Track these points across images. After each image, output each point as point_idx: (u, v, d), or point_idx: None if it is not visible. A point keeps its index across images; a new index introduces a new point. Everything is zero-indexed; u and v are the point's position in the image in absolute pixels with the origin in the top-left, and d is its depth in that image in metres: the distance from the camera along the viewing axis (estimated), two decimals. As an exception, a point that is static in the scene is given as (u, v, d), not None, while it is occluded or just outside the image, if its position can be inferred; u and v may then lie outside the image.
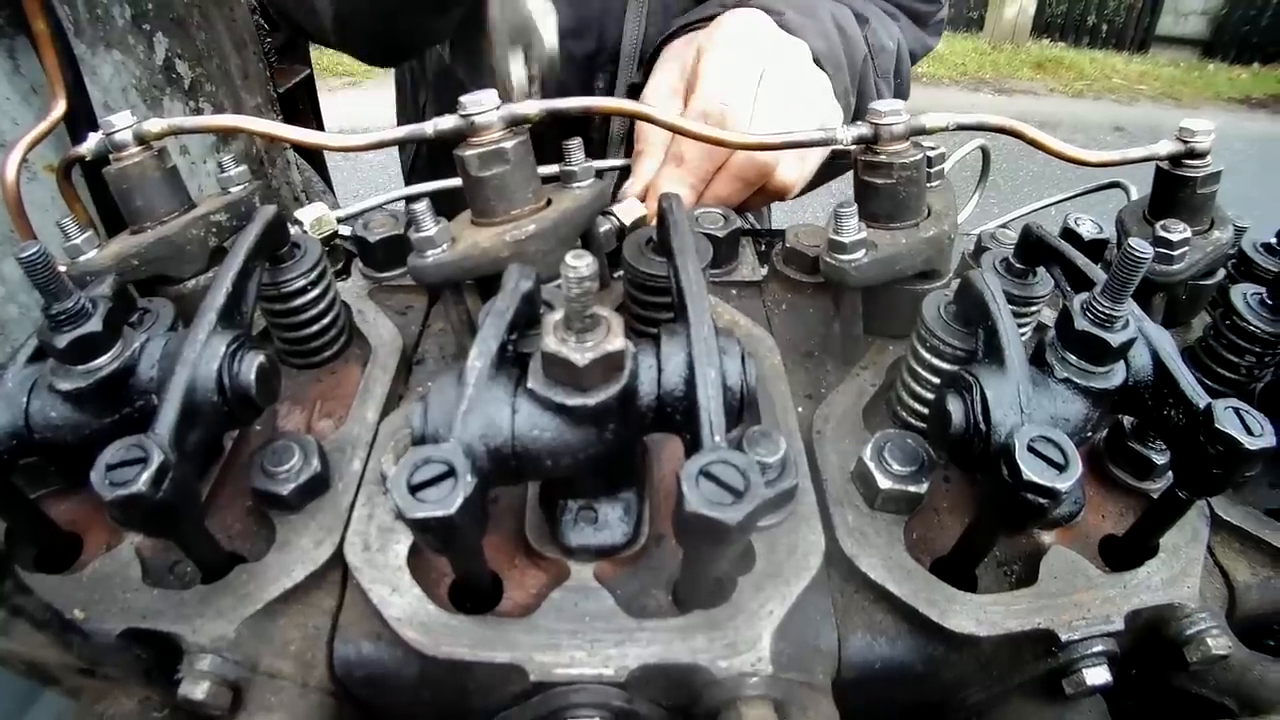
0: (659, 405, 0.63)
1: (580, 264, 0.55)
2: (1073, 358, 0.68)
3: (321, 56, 8.66)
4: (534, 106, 0.75)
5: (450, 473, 0.55)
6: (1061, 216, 1.11)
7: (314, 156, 1.48)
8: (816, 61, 1.19)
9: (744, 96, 1.06)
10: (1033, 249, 0.84)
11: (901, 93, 1.46)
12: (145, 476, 0.58)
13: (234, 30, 1.08)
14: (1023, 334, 0.89)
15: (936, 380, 0.77)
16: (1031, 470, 0.59)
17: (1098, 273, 0.78)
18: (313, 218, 0.92)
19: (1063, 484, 0.59)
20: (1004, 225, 1.28)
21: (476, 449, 0.59)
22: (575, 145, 0.82)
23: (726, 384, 0.62)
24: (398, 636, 0.63)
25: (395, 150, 0.73)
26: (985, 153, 1.24)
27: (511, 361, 0.65)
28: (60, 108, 0.83)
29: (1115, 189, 1.24)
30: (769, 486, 0.70)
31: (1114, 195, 1.29)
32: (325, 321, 0.82)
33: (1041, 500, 0.60)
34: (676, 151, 1.08)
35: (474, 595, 0.68)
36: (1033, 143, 0.84)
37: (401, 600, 0.65)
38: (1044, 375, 0.68)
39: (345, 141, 0.77)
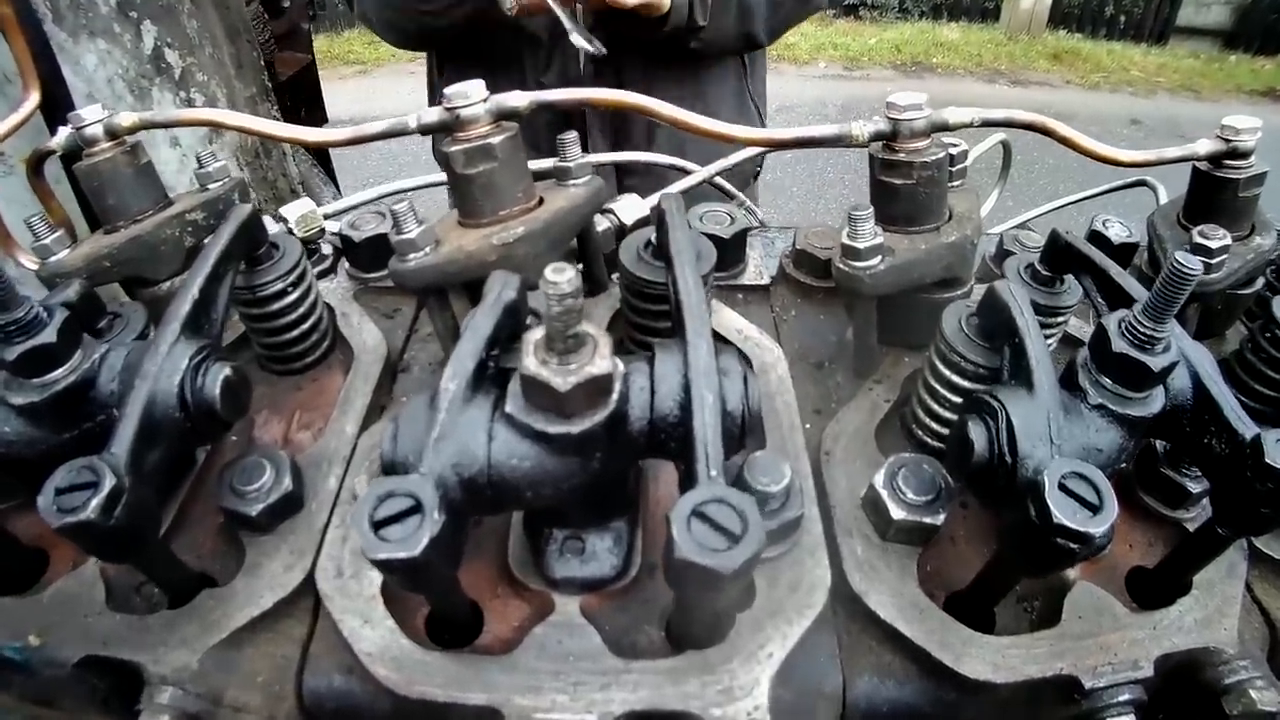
0: (651, 432, 0.56)
1: (561, 279, 0.47)
2: (1108, 382, 0.60)
3: (332, 45, 8.59)
4: (523, 99, 0.68)
5: (417, 508, 0.48)
6: (1082, 215, 1.02)
7: (318, 151, 1.41)
8: None
9: None
10: (1061, 255, 0.76)
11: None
12: (95, 502, 0.52)
13: (227, 18, 1.01)
14: (1049, 346, 0.81)
15: (956, 399, 0.69)
16: (1062, 512, 0.51)
17: (1133, 285, 0.70)
18: (298, 214, 0.85)
19: (1097, 528, 0.51)
20: (1023, 225, 1.18)
21: (449, 479, 0.52)
22: (570, 140, 0.74)
23: (726, 409, 0.55)
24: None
25: (405, 140, 0.66)
26: (1006, 148, 1.15)
27: (493, 379, 0.58)
28: (33, 99, 0.77)
29: (1141, 188, 1.15)
30: (772, 516, 0.62)
31: (1136, 193, 1.19)
32: (305, 326, 0.76)
33: (1072, 545, 0.52)
34: None
35: (452, 627, 0.61)
36: (1064, 140, 0.76)
37: (373, 633, 0.58)
38: (1075, 400, 0.60)
39: (326, 136, 0.70)
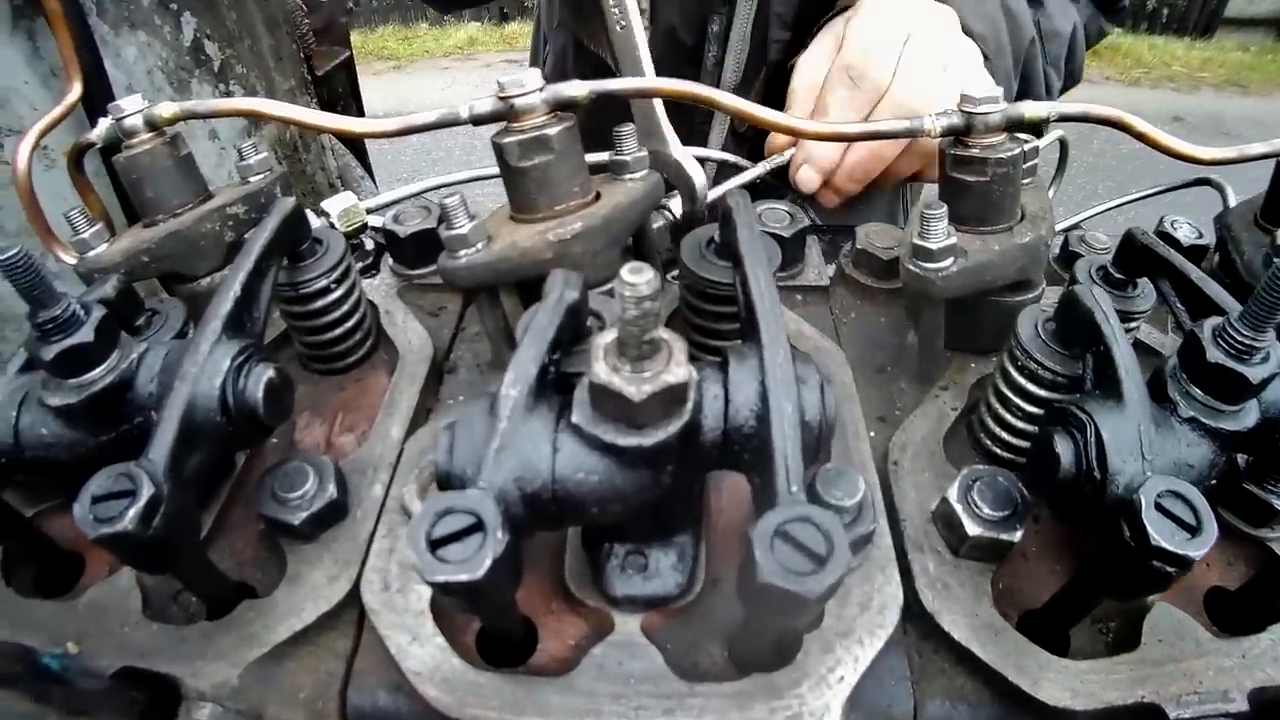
0: (725, 443, 0.52)
1: (640, 280, 0.44)
2: (1200, 393, 0.56)
3: (366, 41, 8.54)
4: (581, 88, 0.64)
5: (478, 526, 0.45)
6: (1125, 215, 0.98)
7: (353, 142, 1.38)
8: (971, 35, 1.08)
9: (888, 50, 0.98)
10: (1137, 257, 0.71)
11: (1073, 80, 1.34)
12: (133, 513, 0.49)
13: (267, 10, 0.98)
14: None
15: (1031, 409, 0.65)
16: (1160, 533, 0.47)
17: (1218, 291, 0.66)
18: (340, 209, 0.82)
19: (1196, 551, 0.47)
20: (1076, 226, 1.14)
21: (510, 494, 0.48)
22: (627, 132, 0.70)
23: (805, 420, 0.51)
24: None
25: (440, 135, 0.61)
26: (1064, 145, 1.10)
27: (554, 386, 0.55)
28: (75, 91, 0.74)
29: (1205, 187, 1.10)
30: (845, 532, 0.59)
31: (1192, 193, 1.14)
32: (349, 325, 0.72)
33: (1169, 568, 0.48)
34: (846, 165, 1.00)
35: (505, 645, 0.58)
36: (1140, 136, 0.71)
37: (422, 651, 0.55)
38: (1164, 413, 0.56)
39: (373, 127, 0.66)
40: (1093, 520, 0.54)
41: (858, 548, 0.58)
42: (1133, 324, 0.73)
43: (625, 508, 0.51)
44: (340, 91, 1.42)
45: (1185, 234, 0.86)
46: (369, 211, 0.85)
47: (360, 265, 0.85)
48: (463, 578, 0.43)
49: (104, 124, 0.68)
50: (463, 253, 0.64)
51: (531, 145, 0.64)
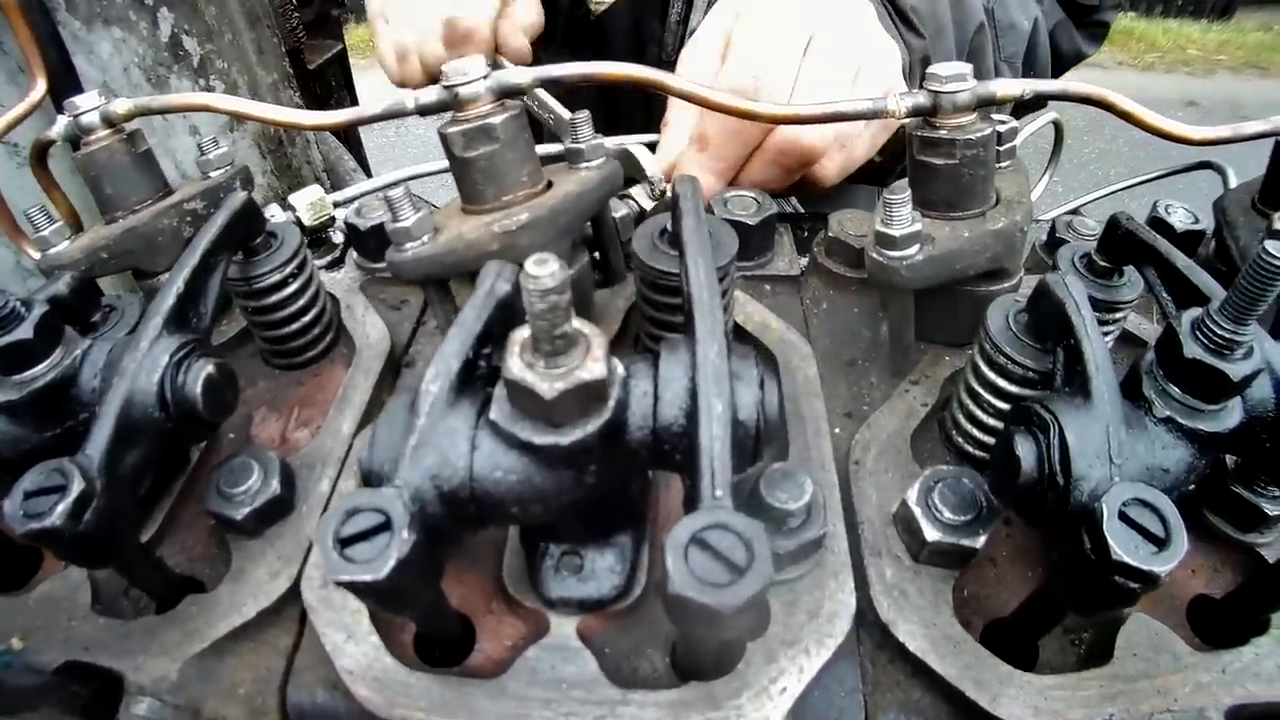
0: (654, 442, 0.49)
1: (542, 272, 0.41)
2: (1177, 391, 0.51)
3: (369, 34, 8.55)
4: (526, 75, 0.61)
5: (385, 525, 0.43)
6: (1135, 202, 0.91)
7: (345, 134, 1.37)
8: (905, 18, 0.93)
9: (783, 66, 0.84)
10: (1121, 244, 0.66)
11: None
12: (62, 508, 0.49)
13: (248, 4, 0.97)
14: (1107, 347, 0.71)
15: (1001, 405, 0.61)
16: (1122, 546, 0.43)
17: (1206, 280, 0.60)
18: (307, 202, 0.80)
19: (1162, 566, 0.43)
20: (1076, 211, 1.07)
21: (426, 492, 0.46)
22: (583, 119, 0.67)
23: (738, 418, 0.48)
24: (351, 690, 0.51)
25: (439, 121, 0.59)
26: (1058, 128, 1.04)
27: (484, 380, 0.52)
28: (39, 89, 0.73)
29: (1205, 170, 1.02)
30: (791, 535, 0.55)
31: (1197, 178, 1.06)
32: (306, 319, 0.70)
33: (1133, 584, 0.44)
34: (702, 131, 0.86)
35: (443, 644, 0.56)
36: (1125, 114, 0.65)
37: (357, 649, 0.53)
38: (1138, 412, 0.51)
39: (321, 119, 0.64)
40: (1056, 528, 0.49)
41: (807, 552, 0.54)
42: (1119, 314, 0.67)
43: (547, 508, 0.48)
44: (333, 84, 1.41)
45: (1179, 219, 0.80)
46: (337, 205, 0.84)
47: (328, 259, 0.83)
48: (366, 578, 0.41)
49: (63, 121, 0.67)
50: (408, 245, 0.61)
51: (476, 135, 0.61)
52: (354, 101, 1.51)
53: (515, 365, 0.44)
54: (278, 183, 1.03)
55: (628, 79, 0.62)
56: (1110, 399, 0.50)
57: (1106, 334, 0.70)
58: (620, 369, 0.48)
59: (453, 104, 0.61)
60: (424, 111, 0.62)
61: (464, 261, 0.62)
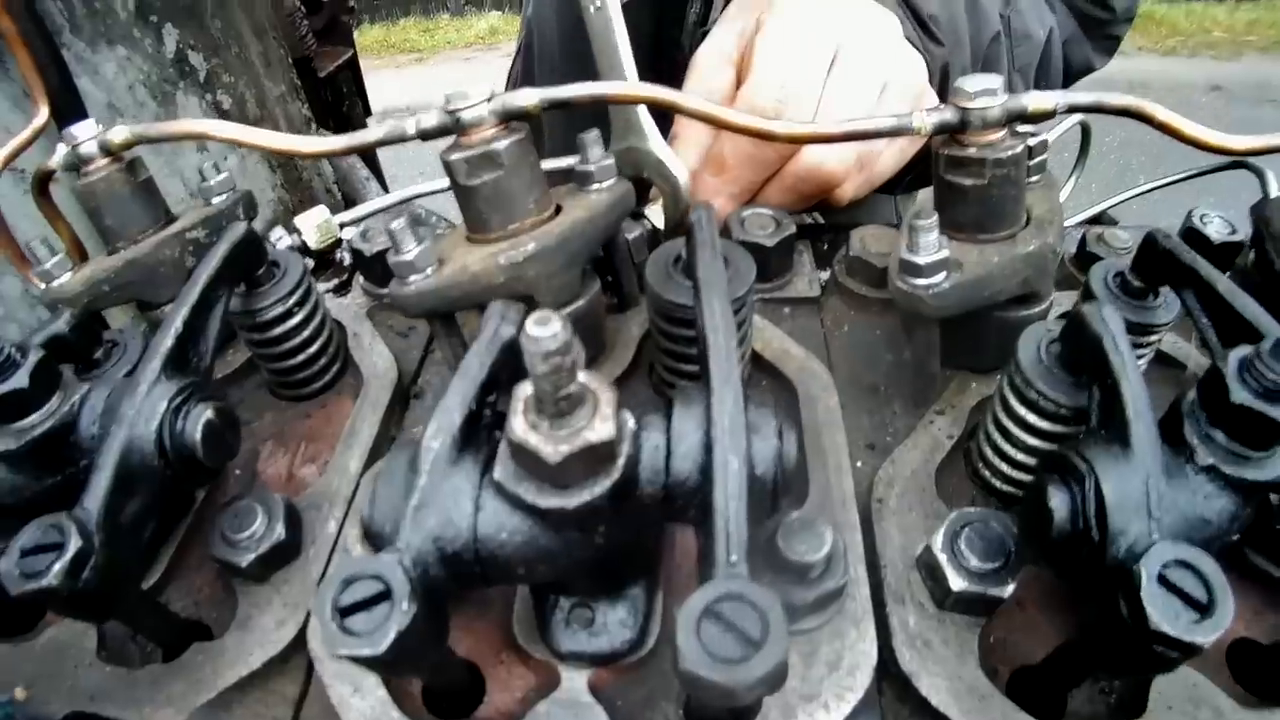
0: (667, 498, 0.46)
1: (543, 333, 0.38)
2: (1222, 437, 0.47)
3: (388, 34, 8.45)
4: (531, 97, 0.57)
5: (385, 594, 0.40)
6: (1166, 201, 0.85)
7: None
8: (925, 28, 0.87)
9: (808, 85, 0.77)
10: (1158, 264, 0.61)
11: None
12: (58, 567, 0.47)
13: (253, 16, 0.93)
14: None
15: (1032, 441, 0.57)
16: (1162, 614, 0.40)
17: (1253, 311, 0.56)
18: (313, 224, 0.77)
19: (1205, 637, 0.39)
20: (1099, 219, 1.01)
21: (428, 555, 0.44)
22: (592, 139, 0.64)
23: (755, 474, 0.45)
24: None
25: None
26: (1085, 131, 0.98)
27: (491, 428, 0.49)
28: (42, 115, 0.71)
29: (1241, 170, 0.96)
30: (810, 586, 0.52)
31: (1229, 176, 1.00)
32: (311, 351, 0.68)
33: (1172, 654, 0.40)
34: (717, 153, 0.81)
35: (451, 695, 0.54)
36: (1164, 127, 0.60)
37: (363, 703, 0.51)
38: (1179, 459, 0.48)
39: (319, 146, 0.61)
40: (1090, 585, 0.46)
41: (825, 603, 0.51)
42: (1153, 336, 0.63)
43: (554, 569, 0.46)
44: (345, 91, 1.38)
45: (1216, 230, 0.75)
46: (345, 225, 0.81)
47: (335, 283, 0.80)
48: (365, 652, 0.39)
49: (61, 150, 0.65)
50: (411, 279, 0.59)
51: (479, 161, 0.58)
52: (365, 107, 1.48)
53: (519, 426, 0.41)
54: (288, 196, 1.01)
55: (639, 99, 0.59)
56: (1150, 448, 0.46)
57: (1140, 357, 0.66)
58: (630, 423, 0.45)
59: (455, 128, 0.58)
60: (425, 136, 0.59)
61: (470, 295, 0.59)
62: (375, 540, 0.46)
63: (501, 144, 0.58)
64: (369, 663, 0.40)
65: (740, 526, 0.42)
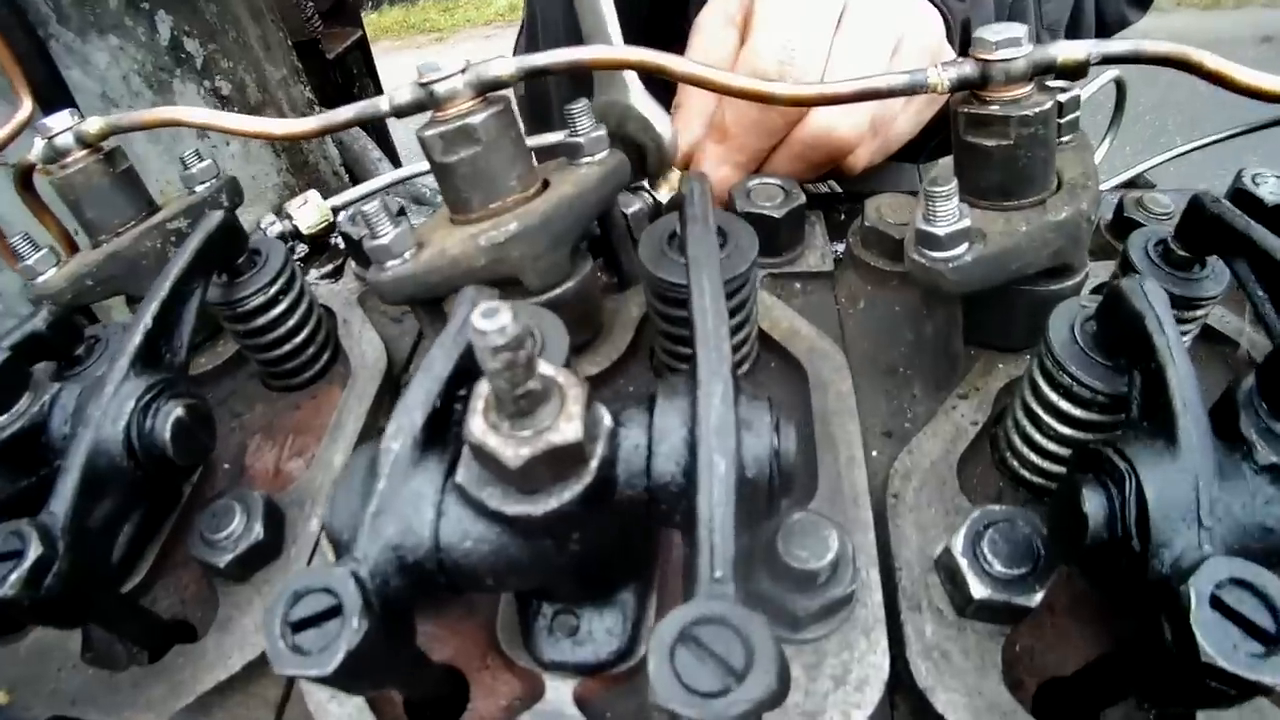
0: (650, 500, 0.42)
1: (490, 325, 0.33)
2: (1286, 429, 0.41)
3: (408, 15, 8.35)
4: (507, 66, 0.52)
5: (337, 610, 0.37)
6: (1207, 164, 0.76)
7: (374, 123, 1.30)
8: None
9: (813, 47, 0.71)
10: (1206, 231, 0.54)
11: None
12: (15, 577, 0.44)
13: None
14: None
15: (1064, 430, 0.51)
16: (1215, 645, 0.34)
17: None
18: (303, 209, 0.74)
19: (1272, 674, 0.33)
20: (1136, 182, 0.92)
21: (387, 564, 0.40)
22: (580, 109, 0.58)
23: (746, 475, 0.40)
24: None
25: None
26: (1120, 87, 0.88)
27: (460, 428, 0.45)
28: (25, 108, 0.68)
29: None
30: (814, 594, 0.47)
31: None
32: (298, 340, 0.65)
33: (1230, 690, 0.34)
34: (719, 120, 0.75)
35: (431, 704, 0.50)
36: (1211, 76, 0.52)
37: (340, 710, 0.49)
38: (1234, 456, 0.41)
39: (292, 128, 0.57)
40: (1130, 600, 0.40)
41: (833, 610, 0.46)
42: (1199, 311, 0.56)
43: (526, 579, 0.42)
44: (355, 72, 1.34)
45: (1270, 191, 0.66)
46: (337, 210, 0.77)
47: (329, 268, 0.77)
48: (312, 673, 0.35)
49: (39, 143, 0.62)
50: (389, 264, 0.55)
51: (455, 137, 0.53)
52: (378, 88, 1.44)
53: (477, 426, 0.37)
54: (294, 181, 0.98)
55: (624, 63, 0.53)
56: (1200, 444, 0.40)
57: (1185, 334, 0.59)
58: (606, 419, 0.41)
59: (430, 103, 0.53)
60: (400, 113, 0.55)
61: (450, 280, 0.55)
62: (336, 549, 0.43)
63: (478, 118, 0.53)
64: (320, 682, 0.37)
65: (726, 537, 0.37)
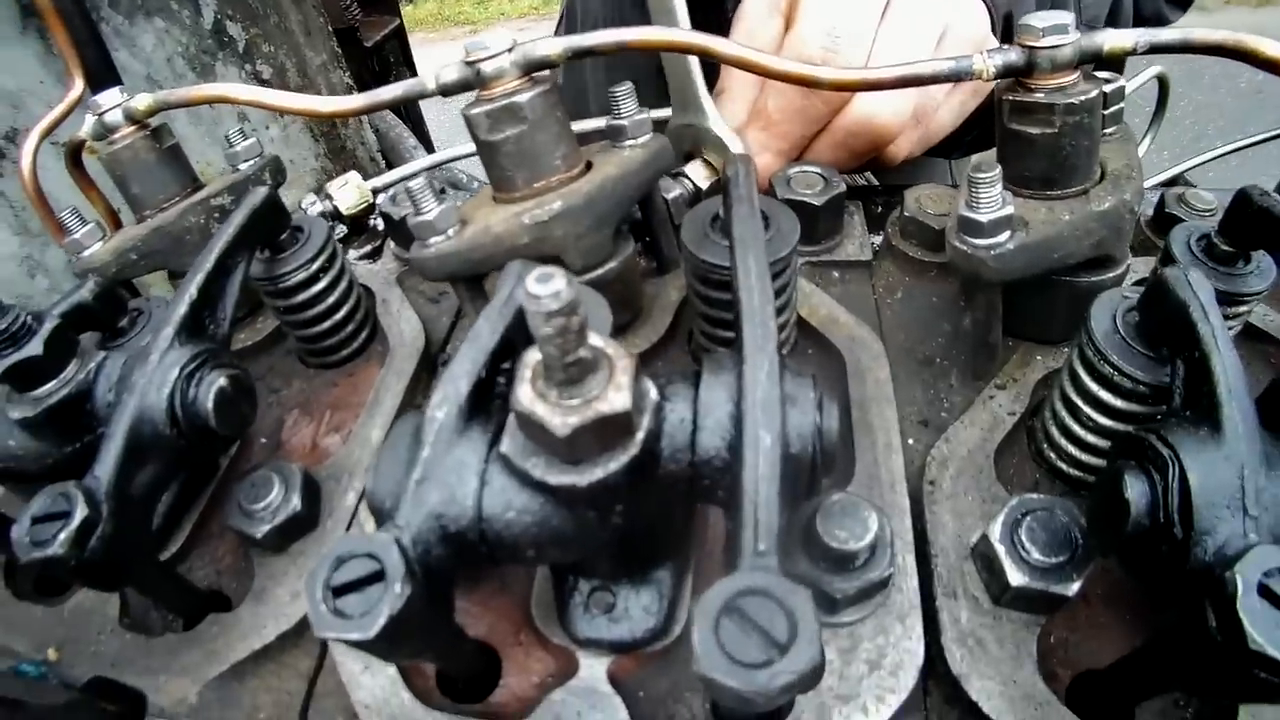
0: (694, 476, 0.41)
1: (544, 290, 0.33)
2: (1336, 418, 0.40)
3: (443, 7, 8.37)
4: (555, 46, 0.52)
5: (379, 575, 0.37)
6: (1247, 168, 0.75)
7: (406, 109, 1.31)
8: None
9: (859, 31, 0.70)
10: (1251, 224, 0.53)
11: None
12: (64, 536, 0.45)
13: (292, -16, 0.90)
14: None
15: (1105, 421, 0.50)
16: (1264, 632, 0.33)
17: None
18: (344, 189, 0.74)
19: (1323, 661, 0.32)
20: (1178, 180, 0.91)
21: (429, 533, 0.40)
22: (624, 92, 0.58)
23: (790, 451, 0.40)
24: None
25: None
26: (1163, 83, 0.87)
27: (505, 398, 0.45)
28: (77, 88, 0.70)
29: None
30: (851, 577, 0.47)
31: None
32: (338, 317, 0.65)
33: (1276, 679, 0.34)
34: (761, 106, 0.74)
35: (465, 678, 0.50)
36: (1270, 64, 0.51)
37: (373, 681, 0.48)
38: (1278, 446, 0.40)
39: (339, 105, 0.58)
40: (1172, 589, 0.40)
41: (869, 593, 0.46)
42: (1242, 307, 0.55)
43: (568, 551, 0.42)
44: (392, 60, 1.35)
45: None
46: (377, 191, 0.77)
47: (369, 248, 0.77)
48: (354, 636, 0.35)
49: (90, 120, 0.63)
50: (432, 241, 0.55)
51: (501, 115, 0.53)
52: (413, 73, 1.45)
53: (525, 395, 0.37)
54: (331, 165, 0.98)
55: (669, 45, 0.53)
56: (1246, 432, 0.39)
57: (1229, 330, 0.58)
58: (653, 393, 0.40)
59: (476, 82, 0.53)
60: (446, 92, 0.55)
61: (493, 257, 0.55)
62: (377, 516, 0.43)
63: (524, 96, 0.53)
64: (361, 646, 0.36)
65: (771, 511, 0.37)
